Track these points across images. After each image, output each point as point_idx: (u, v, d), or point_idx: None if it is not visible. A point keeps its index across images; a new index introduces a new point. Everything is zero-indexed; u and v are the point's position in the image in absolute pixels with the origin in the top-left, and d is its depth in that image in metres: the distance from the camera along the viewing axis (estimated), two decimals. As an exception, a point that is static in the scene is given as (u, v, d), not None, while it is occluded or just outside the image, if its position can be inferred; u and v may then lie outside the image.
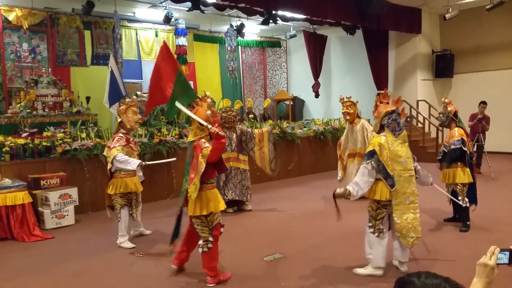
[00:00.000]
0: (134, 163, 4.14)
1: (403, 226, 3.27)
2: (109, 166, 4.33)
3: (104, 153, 4.49)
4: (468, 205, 4.58)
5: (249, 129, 5.81)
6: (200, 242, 3.28)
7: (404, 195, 3.26)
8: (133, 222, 4.56)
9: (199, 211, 3.21)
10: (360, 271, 3.42)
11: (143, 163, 4.17)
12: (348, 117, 6.17)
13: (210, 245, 3.27)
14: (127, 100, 4.52)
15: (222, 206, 3.35)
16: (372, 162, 3.25)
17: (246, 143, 5.71)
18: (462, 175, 4.59)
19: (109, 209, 4.51)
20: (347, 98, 6.19)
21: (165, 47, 3.64)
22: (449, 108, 4.79)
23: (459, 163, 4.62)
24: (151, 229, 4.83)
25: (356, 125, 6.11)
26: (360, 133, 6.06)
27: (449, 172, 4.68)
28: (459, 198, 4.56)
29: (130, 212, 4.45)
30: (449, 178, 4.67)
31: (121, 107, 4.44)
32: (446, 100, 4.87)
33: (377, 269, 3.36)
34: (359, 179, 3.28)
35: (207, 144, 3.20)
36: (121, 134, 4.36)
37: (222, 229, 3.44)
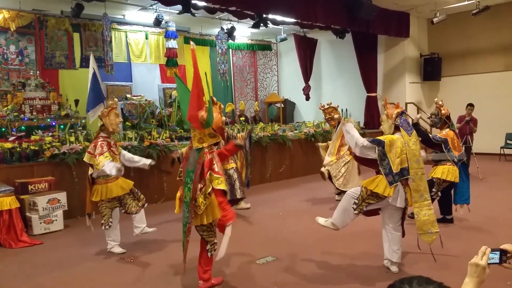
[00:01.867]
0: (116, 167, 3.99)
1: (424, 222, 3.40)
2: (90, 171, 4.19)
3: (85, 159, 4.25)
4: (438, 198, 4.73)
5: (235, 134, 5.72)
6: (208, 246, 3.20)
7: (419, 193, 3.39)
8: (134, 219, 4.33)
9: (206, 220, 3.10)
10: (320, 220, 3.63)
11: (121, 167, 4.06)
12: (333, 123, 6.15)
13: (216, 247, 3.25)
14: (109, 102, 4.36)
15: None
16: (378, 149, 3.34)
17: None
18: (442, 171, 4.65)
19: (88, 217, 4.32)
20: (327, 104, 6.18)
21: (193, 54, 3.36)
22: (442, 111, 4.86)
23: (448, 163, 4.68)
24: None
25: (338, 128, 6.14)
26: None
27: (436, 168, 4.77)
28: (433, 189, 4.65)
29: (124, 210, 4.31)
30: (434, 172, 4.74)
31: (104, 110, 4.30)
32: (440, 102, 4.93)
33: (335, 226, 3.54)
34: (359, 138, 3.41)
35: (220, 172, 3.06)
36: (101, 139, 4.19)
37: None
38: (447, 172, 4.66)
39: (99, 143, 4.14)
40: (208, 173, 3.01)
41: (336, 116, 6.05)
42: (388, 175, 3.33)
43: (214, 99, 3.39)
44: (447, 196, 4.87)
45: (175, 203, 3.31)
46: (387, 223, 3.52)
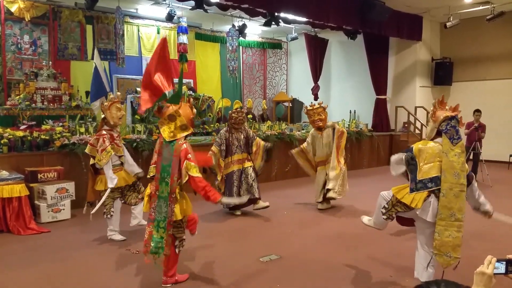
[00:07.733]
0: (112, 180, 4.18)
1: (444, 243, 2.94)
2: (92, 161, 4.32)
3: (86, 150, 4.39)
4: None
5: (254, 136, 5.73)
6: (176, 242, 3.24)
7: (450, 211, 2.92)
8: (134, 210, 4.50)
9: (180, 216, 3.14)
10: (364, 220, 3.53)
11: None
12: (321, 124, 5.82)
13: (184, 243, 3.29)
14: (111, 96, 4.45)
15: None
16: (406, 154, 3.10)
17: (249, 146, 5.72)
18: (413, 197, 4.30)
19: (88, 206, 4.44)
20: (319, 104, 5.89)
21: (164, 43, 3.59)
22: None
23: None
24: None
25: (324, 131, 5.84)
26: (329, 136, 5.78)
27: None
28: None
29: (123, 201, 4.45)
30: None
31: (105, 104, 4.35)
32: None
33: (376, 226, 3.40)
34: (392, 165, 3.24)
35: (195, 161, 3.10)
36: (104, 132, 4.29)
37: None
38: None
39: (102, 138, 4.23)
40: (185, 162, 3.07)
41: (329, 124, 5.81)
42: (412, 181, 3.04)
43: (191, 98, 3.53)
44: None
45: (144, 201, 3.33)
46: (417, 237, 3.19)
